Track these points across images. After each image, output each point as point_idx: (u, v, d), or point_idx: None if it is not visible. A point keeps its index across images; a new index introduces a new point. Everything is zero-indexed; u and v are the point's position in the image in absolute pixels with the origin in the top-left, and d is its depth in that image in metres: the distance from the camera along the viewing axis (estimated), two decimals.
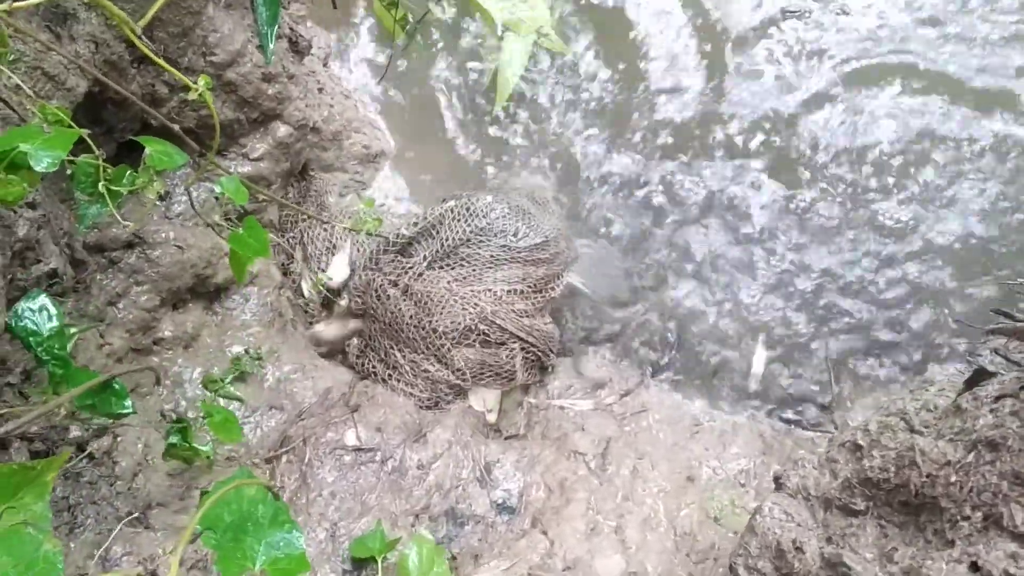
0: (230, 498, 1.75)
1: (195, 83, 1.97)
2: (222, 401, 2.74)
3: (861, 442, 1.86)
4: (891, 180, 3.75)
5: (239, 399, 2.78)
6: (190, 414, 2.67)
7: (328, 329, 3.27)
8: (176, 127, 2.12)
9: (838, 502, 1.84)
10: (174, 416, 2.32)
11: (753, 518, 2.00)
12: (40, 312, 1.77)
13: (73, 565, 2.08)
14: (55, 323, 1.77)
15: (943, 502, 1.56)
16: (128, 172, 1.90)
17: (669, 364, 3.59)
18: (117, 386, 1.89)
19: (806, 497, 1.94)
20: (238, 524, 1.62)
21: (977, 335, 3.45)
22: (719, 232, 3.72)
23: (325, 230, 3.33)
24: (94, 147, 1.84)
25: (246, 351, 2.88)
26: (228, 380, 2.77)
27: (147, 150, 1.91)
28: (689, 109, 3.90)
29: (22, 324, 1.74)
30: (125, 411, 1.90)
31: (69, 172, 1.86)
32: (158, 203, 2.73)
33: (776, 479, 2.08)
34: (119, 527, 2.17)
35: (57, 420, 2.11)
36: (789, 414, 3.49)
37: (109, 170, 1.87)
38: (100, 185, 1.85)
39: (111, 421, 2.31)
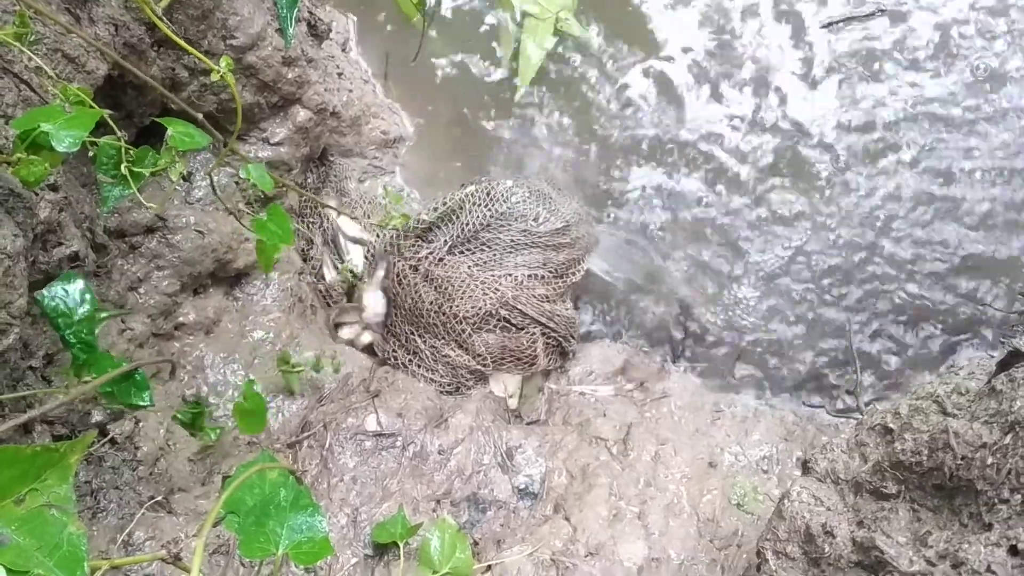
0: (252, 482, 1.74)
1: (217, 65, 1.95)
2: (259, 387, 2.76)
3: (891, 425, 1.83)
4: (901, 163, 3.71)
5: (291, 389, 2.79)
6: (211, 399, 2.67)
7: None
8: (200, 115, 2.09)
9: (869, 486, 1.81)
10: (194, 399, 2.31)
11: (781, 502, 1.96)
12: (74, 295, 1.75)
13: (96, 550, 2.07)
14: (87, 308, 1.75)
15: (979, 485, 1.53)
16: (150, 154, 1.89)
17: (690, 350, 3.56)
18: (139, 377, 1.87)
19: (835, 481, 1.91)
20: (260, 508, 1.61)
21: (1006, 318, 3.42)
22: (741, 218, 3.68)
23: (345, 216, 3.32)
24: (115, 128, 1.83)
25: (331, 357, 2.93)
26: (300, 370, 2.78)
27: (169, 130, 1.89)
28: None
29: (53, 304, 1.72)
30: (143, 403, 1.88)
31: (91, 154, 1.85)
32: (178, 188, 2.72)
33: (804, 463, 2.05)
34: (141, 511, 2.16)
35: (78, 404, 2.11)
36: (812, 400, 3.46)
37: (131, 151, 1.85)
38: (123, 167, 1.83)
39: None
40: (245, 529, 1.57)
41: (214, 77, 1.95)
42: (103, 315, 1.99)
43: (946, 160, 3.70)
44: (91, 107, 1.69)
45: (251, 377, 2.71)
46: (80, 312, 1.74)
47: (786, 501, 1.93)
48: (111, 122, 1.77)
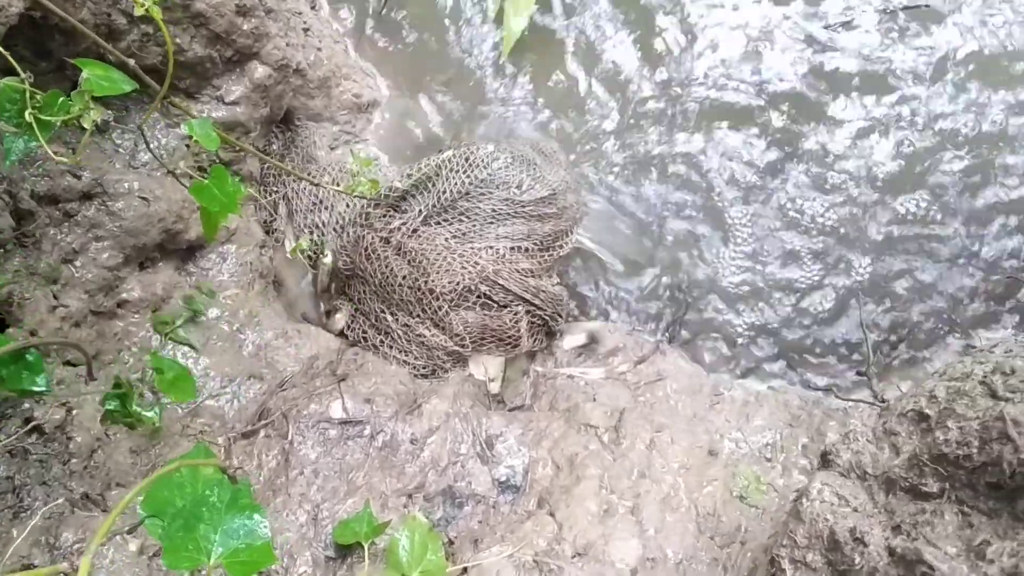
0: (182, 479, 1.51)
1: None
2: (179, 355, 2.49)
3: (928, 411, 1.57)
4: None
5: (190, 344, 2.52)
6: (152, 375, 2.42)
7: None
8: (132, 62, 1.81)
9: (904, 483, 1.55)
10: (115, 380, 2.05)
11: (799, 501, 1.70)
12: None
13: (16, 554, 1.84)
14: None
15: None
16: (61, 99, 1.62)
17: (686, 329, 3.31)
18: (31, 358, 1.61)
19: (861, 476, 1.64)
20: (191, 510, 1.38)
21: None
22: (742, 190, 3.42)
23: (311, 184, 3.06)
24: (18, 68, 1.56)
25: (197, 287, 2.63)
26: (180, 323, 2.51)
27: (84, 72, 1.63)
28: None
29: None
30: (37, 389, 1.63)
31: None
32: (120, 151, 2.46)
33: (823, 455, 1.78)
34: (45, 508, 1.93)
35: None
36: (819, 382, 3.22)
37: (38, 96, 1.59)
38: (27, 113, 1.58)
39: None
40: (171, 535, 1.35)
41: (138, 12, 1.68)
42: None
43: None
44: None
45: (158, 354, 2.45)
46: None
47: (805, 500, 1.67)
48: (12, 60, 1.51)
